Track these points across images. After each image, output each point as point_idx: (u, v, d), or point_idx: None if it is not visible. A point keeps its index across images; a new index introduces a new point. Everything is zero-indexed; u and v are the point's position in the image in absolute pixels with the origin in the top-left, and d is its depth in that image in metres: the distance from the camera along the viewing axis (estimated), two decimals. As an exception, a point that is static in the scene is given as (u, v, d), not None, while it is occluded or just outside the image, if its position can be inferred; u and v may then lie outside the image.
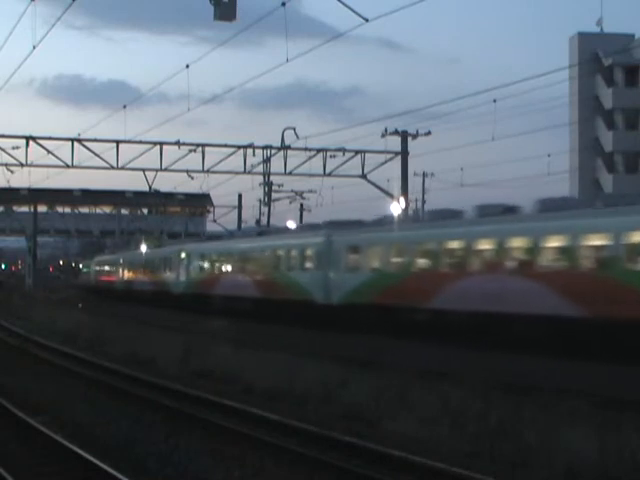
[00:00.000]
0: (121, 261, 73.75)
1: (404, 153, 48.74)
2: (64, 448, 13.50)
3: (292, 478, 12.28)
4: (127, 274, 71.15)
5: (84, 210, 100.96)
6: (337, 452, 13.52)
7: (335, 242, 37.14)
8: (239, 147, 50.06)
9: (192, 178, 54.13)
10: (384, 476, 11.97)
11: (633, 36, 77.76)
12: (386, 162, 49.99)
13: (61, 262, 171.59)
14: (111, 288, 74.36)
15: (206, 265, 51.99)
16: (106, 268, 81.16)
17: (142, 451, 13.60)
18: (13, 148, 48.41)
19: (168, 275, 57.71)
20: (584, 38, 77.06)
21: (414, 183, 63.19)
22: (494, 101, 39.74)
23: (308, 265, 39.33)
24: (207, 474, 12.21)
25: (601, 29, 75.16)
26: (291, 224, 56.33)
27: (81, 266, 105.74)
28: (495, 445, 13.43)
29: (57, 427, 15.56)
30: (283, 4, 22.66)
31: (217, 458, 13.26)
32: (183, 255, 54.86)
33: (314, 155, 49.84)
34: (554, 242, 26.62)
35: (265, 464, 12.85)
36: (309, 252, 39.37)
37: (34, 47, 26.42)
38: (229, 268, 47.99)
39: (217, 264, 50.42)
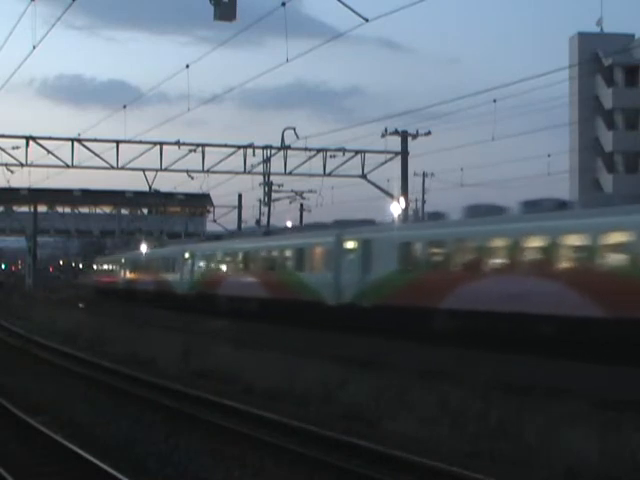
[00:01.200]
0: (186, 255, 56.85)
1: (404, 153, 48.77)
2: (64, 448, 13.50)
3: (292, 478, 12.27)
4: (202, 273, 54.50)
5: (84, 210, 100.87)
6: (337, 452, 13.51)
7: None
8: (239, 147, 50.09)
9: (192, 178, 54.24)
10: (384, 476, 11.96)
11: (633, 36, 77.81)
12: (386, 162, 50.07)
13: (61, 262, 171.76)
14: (161, 291, 60.53)
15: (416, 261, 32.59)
16: (146, 266, 66.68)
17: (142, 451, 13.59)
18: (13, 148, 48.53)
19: (316, 278, 39.16)
20: (584, 38, 77.08)
21: (414, 183, 63.44)
22: (494, 101, 39.89)
23: None
24: (207, 474, 12.20)
25: (601, 29, 75.19)
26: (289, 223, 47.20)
27: (96, 265, 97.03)
28: (495, 445, 13.42)
29: (57, 427, 15.55)
30: (283, 4, 22.69)
31: (217, 458, 13.26)
32: (352, 245, 36.32)
33: (314, 155, 49.89)
34: None
35: (265, 464, 12.85)
36: None
37: (34, 47, 26.49)
38: (465, 265, 29.59)
39: (438, 257, 31.60)
